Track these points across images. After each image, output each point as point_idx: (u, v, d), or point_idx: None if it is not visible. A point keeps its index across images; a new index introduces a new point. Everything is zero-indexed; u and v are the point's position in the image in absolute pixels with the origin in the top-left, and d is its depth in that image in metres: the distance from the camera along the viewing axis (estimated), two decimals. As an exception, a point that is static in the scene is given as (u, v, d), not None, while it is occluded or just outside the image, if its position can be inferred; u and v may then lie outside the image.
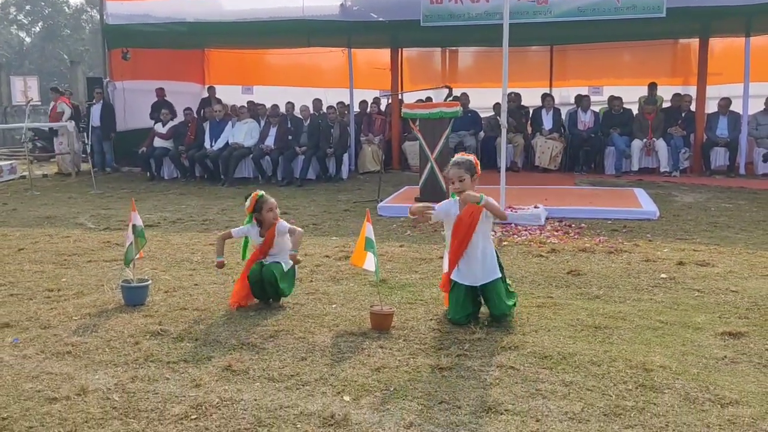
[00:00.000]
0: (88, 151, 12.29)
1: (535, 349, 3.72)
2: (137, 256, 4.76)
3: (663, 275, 5.23)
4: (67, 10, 48.84)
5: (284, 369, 3.49)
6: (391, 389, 3.24)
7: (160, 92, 13.67)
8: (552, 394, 3.18)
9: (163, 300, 4.75)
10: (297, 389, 3.25)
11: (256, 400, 3.13)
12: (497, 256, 4.32)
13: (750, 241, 6.43)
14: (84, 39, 47.63)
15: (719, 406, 3.05)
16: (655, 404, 3.06)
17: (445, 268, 4.38)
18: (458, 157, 4.29)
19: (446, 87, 9.04)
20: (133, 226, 4.69)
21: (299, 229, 4.69)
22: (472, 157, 4.30)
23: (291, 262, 4.63)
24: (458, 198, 4.22)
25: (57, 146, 13.80)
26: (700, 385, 3.26)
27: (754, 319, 4.21)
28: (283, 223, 4.67)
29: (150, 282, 4.79)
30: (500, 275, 4.24)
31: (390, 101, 12.84)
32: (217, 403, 3.10)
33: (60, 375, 3.44)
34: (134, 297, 4.62)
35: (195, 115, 12.79)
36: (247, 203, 4.61)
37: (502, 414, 2.98)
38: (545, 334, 3.97)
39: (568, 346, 3.77)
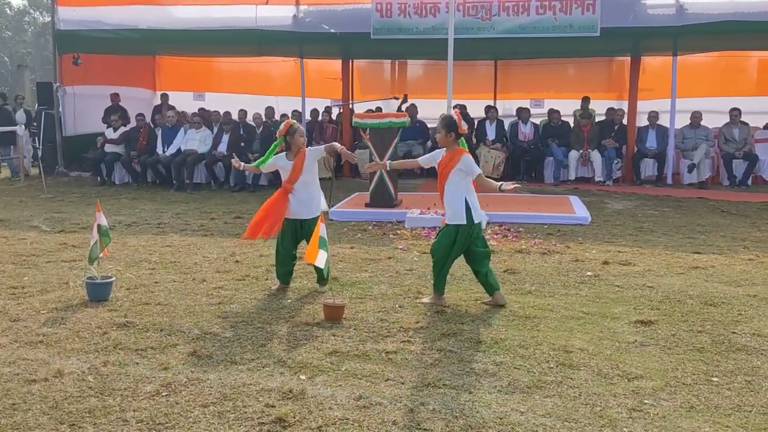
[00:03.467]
0: (39, 155, 12.31)
1: (472, 336, 4.17)
2: (102, 254, 5.02)
3: (589, 273, 5.76)
4: (8, 11, 47.71)
5: (245, 354, 3.84)
6: (343, 369, 3.63)
7: (115, 98, 13.75)
8: (484, 372, 3.62)
9: (126, 296, 5.02)
10: (258, 370, 3.61)
11: (221, 379, 3.48)
12: (469, 208, 4.78)
13: (670, 243, 7.05)
14: (26, 41, 46.59)
15: (626, 380, 3.54)
16: (571, 379, 3.53)
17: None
18: (443, 113, 5.13)
19: (395, 98, 9.48)
20: (99, 225, 4.95)
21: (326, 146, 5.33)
22: (453, 113, 4.94)
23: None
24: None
25: None
26: (612, 364, 3.75)
27: (664, 310, 4.75)
28: (313, 148, 5.22)
29: (114, 279, 5.06)
30: (463, 223, 4.78)
31: (342, 110, 13.24)
32: (185, 382, 3.43)
33: (35, 360, 3.71)
34: (99, 293, 4.88)
35: (147, 121, 12.93)
36: (281, 127, 5.20)
37: (440, 388, 3.40)
38: (481, 324, 4.42)
39: (501, 333, 4.22)
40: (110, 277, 5.04)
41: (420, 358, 3.81)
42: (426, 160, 5.17)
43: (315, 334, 4.19)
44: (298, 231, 5.21)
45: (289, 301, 4.93)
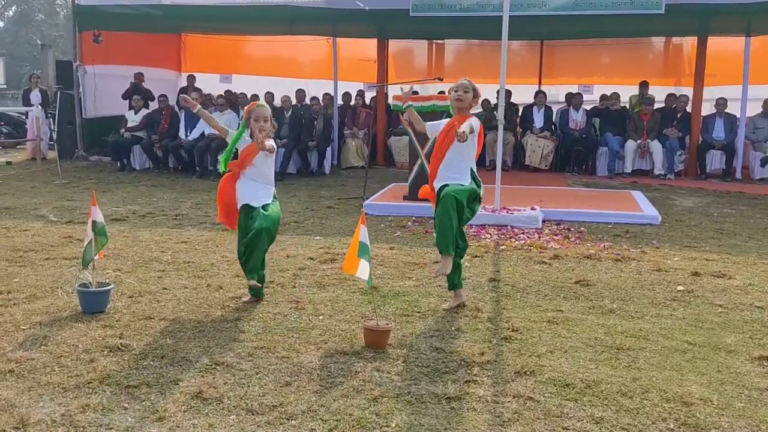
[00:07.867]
0: (55, 138, 11.61)
1: (554, 375, 3.25)
2: (96, 256, 4.19)
3: (680, 288, 4.79)
4: (41, -6, 47.52)
5: (265, 397, 2.97)
6: (393, 425, 2.74)
7: (139, 76, 12.96)
8: (581, 433, 2.71)
9: (126, 307, 4.19)
10: (281, 424, 2.73)
11: (231, 438, 2.62)
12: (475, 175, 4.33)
13: (762, 250, 6.04)
14: (58, 24, 46.38)
15: (778, 451, 2.60)
16: (704, 449, 2.61)
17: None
18: (467, 80, 4.43)
19: (439, 79, 8.55)
20: (93, 222, 4.12)
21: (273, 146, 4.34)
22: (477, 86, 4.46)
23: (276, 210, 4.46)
24: (455, 109, 4.37)
25: None
26: (750, 424, 2.81)
27: (789, 341, 3.79)
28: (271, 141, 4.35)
29: (112, 286, 4.22)
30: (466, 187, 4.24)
31: (377, 93, 12.33)
32: (184, 442, 2.58)
33: (-4, 402, 2.88)
34: (93, 303, 4.05)
35: (170, 103, 12.15)
36: (246, 107, 4.46)
37: (526, 460, 2.50)
38: (562, 356, 3.50)
39: (591, 372, 3.29)
40: (107, 284, 4.20)
41: (493, 409, 2.90)
42: (431, 129, 4.55)
43: (354, 368, 3.31)
44: (243, 219, 4.39)
45: (321, 318, 4.05)
